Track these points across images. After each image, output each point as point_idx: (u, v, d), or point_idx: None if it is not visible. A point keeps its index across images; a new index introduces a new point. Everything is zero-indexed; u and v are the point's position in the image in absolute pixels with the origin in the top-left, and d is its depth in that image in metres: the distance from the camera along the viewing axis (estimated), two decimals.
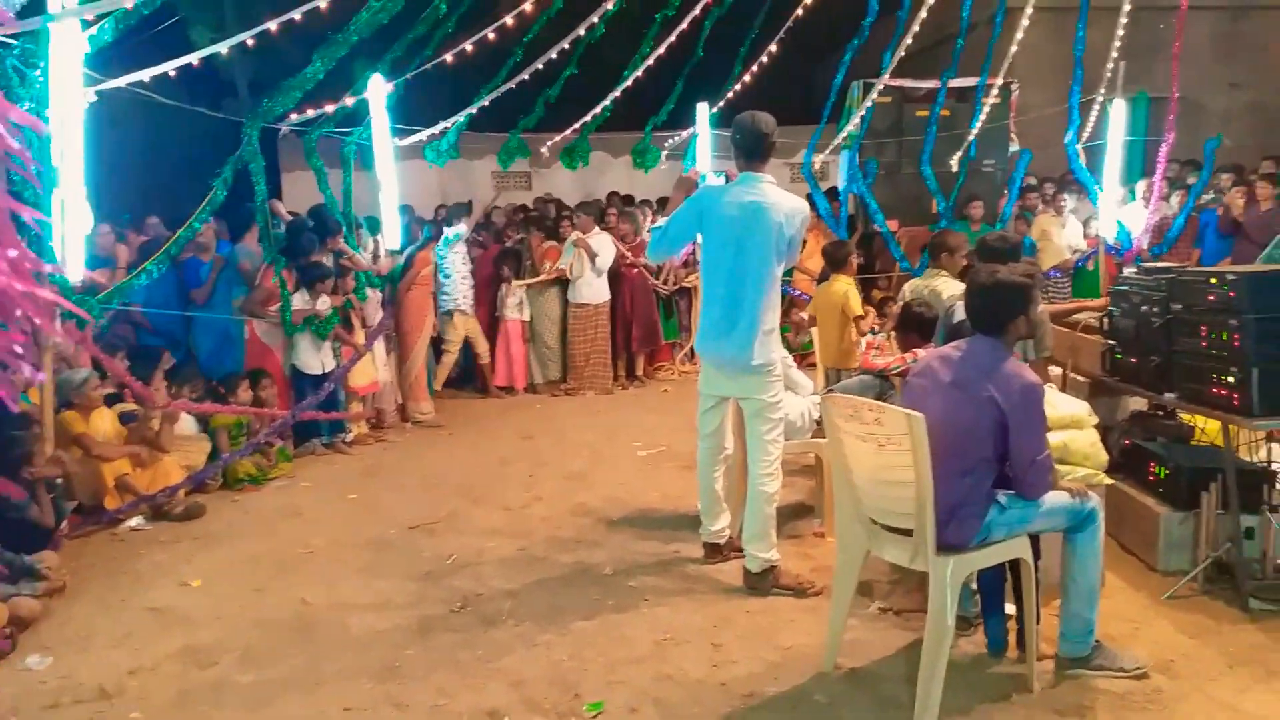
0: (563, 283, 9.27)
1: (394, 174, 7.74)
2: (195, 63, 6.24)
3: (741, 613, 4.16)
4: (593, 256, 8.97)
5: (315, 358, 7.14)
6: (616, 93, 10.55)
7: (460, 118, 9.93)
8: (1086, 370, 5.30)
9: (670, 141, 12.29)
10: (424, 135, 10.01)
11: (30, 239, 4.49)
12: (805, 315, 7.22)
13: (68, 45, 4.67)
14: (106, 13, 4.74)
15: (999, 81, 10.52)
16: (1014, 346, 3.48)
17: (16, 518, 4.67)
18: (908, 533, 3.30)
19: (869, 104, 10.20)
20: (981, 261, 4.51)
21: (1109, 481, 4.14)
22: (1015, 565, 3.48)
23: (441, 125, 10.00)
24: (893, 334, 5.45)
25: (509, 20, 8.46)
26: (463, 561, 4.88)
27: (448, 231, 8.76)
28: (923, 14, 9.59)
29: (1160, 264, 5.31)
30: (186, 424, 6.36)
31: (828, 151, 11.13)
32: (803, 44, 11.03)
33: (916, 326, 5.00)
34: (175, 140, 12.06)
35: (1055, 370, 5.38)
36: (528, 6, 8.09)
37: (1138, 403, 5.27)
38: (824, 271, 6.59)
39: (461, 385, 9.43)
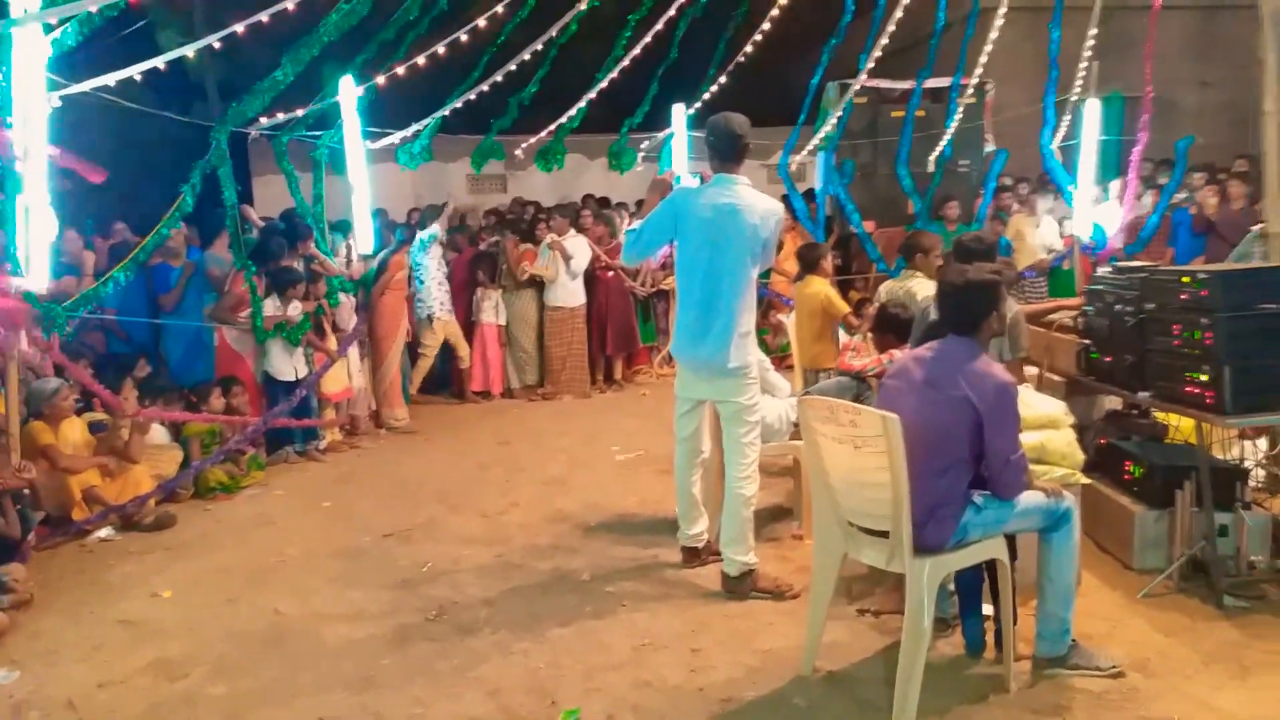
0: (538, 286, 9.22)
1: (366, 177, 7.67)
2: (162, 66, 6.17)
3: (720, 617, 4.14)
4: (567, 259, 8.93)
5: (288, 364, 7.07)
6: (591, 94, 10.50)
7: (432, 119, 9.87)
8: (1062, 370, 5.31)
9: (646, 143, 12.26)
10: (396, 138, 9.94)
11: None
12: (784, 318, 7.21)
13: (30, 50, 4.60)
14: (69, 17, 4.66)
15: (974, 81, 10.57)
16: (987, 345, 3.48)
17: None
18: (885, 534, 3.30)
19: (845, 105, 10.21)
20: (957, 262, 4.51)
21: (1086, 481, 4.15)
22: (992, 566, 3.48)
23: (414, 128, 9.93)
24: (869, 335, 5.45)
25: (481, 22, 8.41)
26: (439, 569, 4.83)
27: (421, 234, 8.70)
28: (898, 14, 9.61)
29: (1133, 263, 5.33)
30: (158, 433, 6.28)
31: (804, 153, 11.13)
32: (778, 45, 11.01)
33: (893, 327, 4.99)
34: (144, 145, 11.91)
35: (1031, 370, 5.39)
36: (500, 9, 8.04)
37: (1113, 402, 5.29)
38: (799, 273, 6.58)
39: (437, 390, 9.36)
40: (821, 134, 10.58)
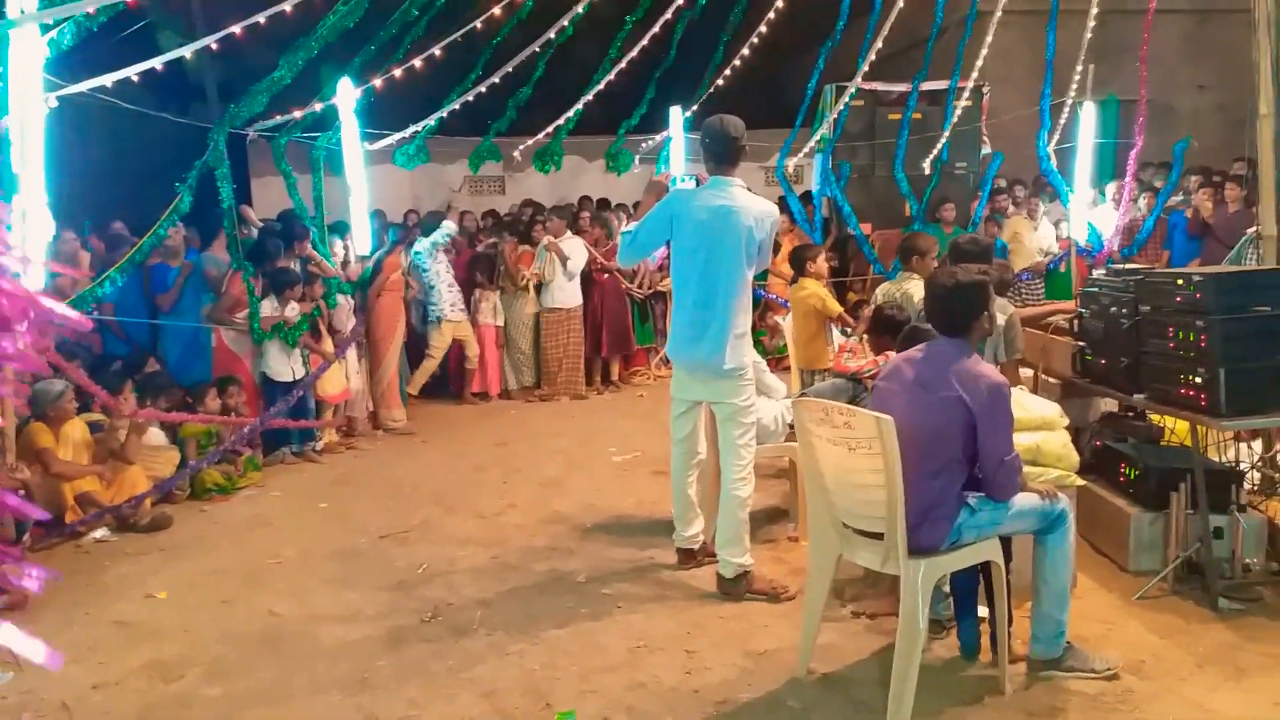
0: (536, 287, 9.23)
1: (364, 179, 7.67)
2: (160, 67, 6.16)
3: (715, 618, 4.14)
4: (564, 260, 8.93)
5: (285, 365, 7.07)
6: (589, 96, 10.53)
7: (430, 121, 9.88)
8: (1057, 372, 5.32)
9: (644, 145, 12.28)
10: (394, 139, 9.95)
11: None
12: (780, 320, 7.22)
13: (27, 50, 4.59)
14: (66, 17, 4.66)
15: (970, 84, 10.60)
16: (977, 346, 3.49)
17: None
18: (879, 536, 3.30)
19: (842, 107, 10.23)
20: (952, 264, 4.52)
21: (1081, 483, 4.16)
22: (987, 568, 3.48)
23: (412, 129, 9.94)
24: (865, 337, 5.45)
25: (478, 24, 8.42)
26: (434, 571, 4.83)
27: (425, 241, 8.65)
28: (894, 17, 9.63)
29: (1129, 266, 5.34)
30: (154, 434, 6.27)
31: (801, 155, 11.16)
32: (775, 47, 11.04)
33: (889, 329, 4.98)
34: (142, 146, 11.91)
35: (1026, 372, 5.40)
36: (497, 10, 8.05)
37: (1109, 404, 5.30)
38: (794, 275, 6.59)
39: (435, 392, 9.36)
40: (818, 136, 10.62)
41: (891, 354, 4.76)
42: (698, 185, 4.52)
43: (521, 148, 11.69)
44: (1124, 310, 4.52)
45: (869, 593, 4.23)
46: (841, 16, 9.96)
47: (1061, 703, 3.34)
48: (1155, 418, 4.92)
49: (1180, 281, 4.16)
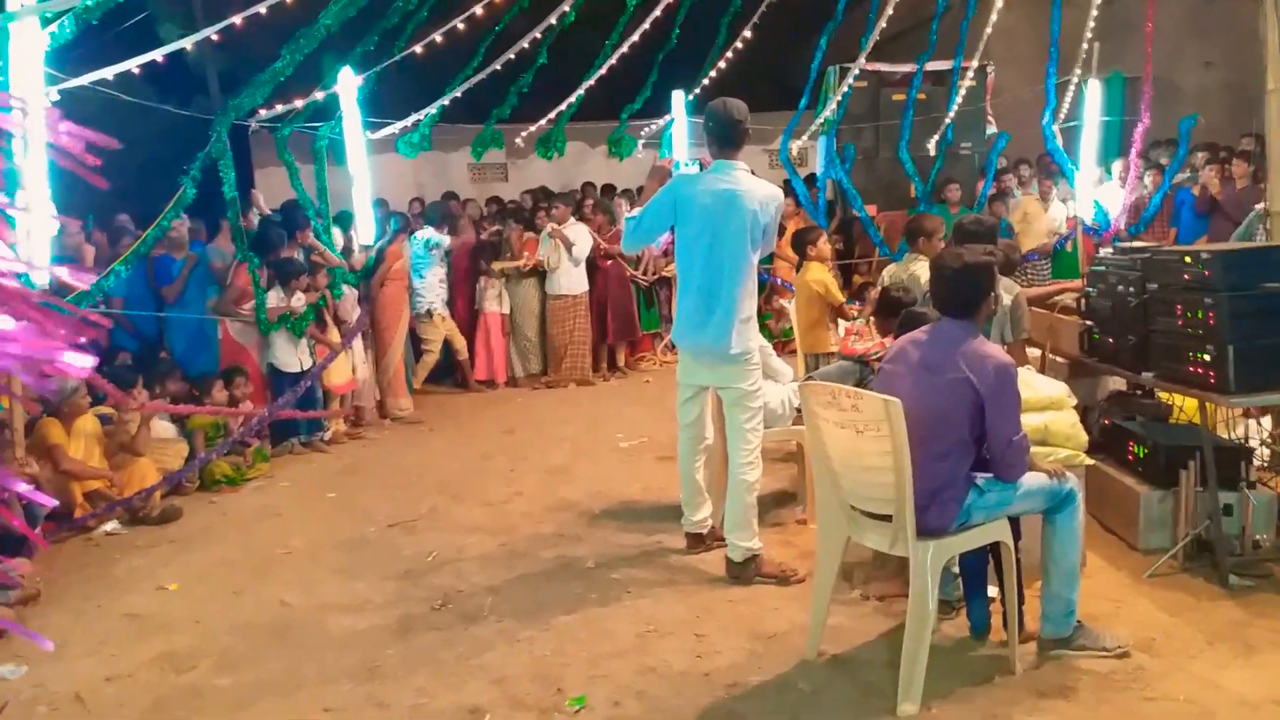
0: (541, 274, 9.22)
1: (367, 168, 7.65)
2: (161, 59, 6.15)
3: (724, 602, 4.14)
4: (569, 247, 8.92)
5: (293, 355, 7.07)
6: (590, 81, 10.48)
7: (433, 109, 9.85)
8: (1065, 351, 5.30)
9: (646, 130, 12.24)
10: (396, 128, 9.93)
11: None
12: (786, 303, 7.20)
13: (28, 43, 4.58)
14: (65, 10, 4.65)
15: (974, 64, 10.53)
16: (984, 327, 3.48)
17: None
18: (888, 518, 3.29)
19: (845, 88, 10.18)
20: (957, 244, 4.50)
21: (1090, 462, 4.15)
22: (996, 548, 3.47)
23: (414, 117, 9.91)
24: (872, 319, 5.44)
25: (479, 10, 8.38)
26: (443, 559, 4.84)
27: (423, 235, 8.63)
28: None
29: (1136, 243, 5.31)
30: (163, 426, 6.29)
31: (805, 137, 11.11)
32: (778, 29, 10.98)
33: (895, 311, 4.96)
34: (145, 139, 11.88)
35: (1034, 352, 5.39)
36: None
37: (1116, 382, 5.28)
38: (799, 259, 6.57)
39: (441, 380, 9.37)
40: (822, 118, 10.55)
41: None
42: (701, 169, 4.49)
43: (524, 134, 11.65)
44: (1132, 288, 4.49)
45: (878, 575, 4.22)
46: None
47: (1072, 681, 3.34)
48: (1164, 395, 4.90)
49: (1188, 259, 4.14)
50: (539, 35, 9.47)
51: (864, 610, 3.97)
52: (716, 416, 4.69)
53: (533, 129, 11.55)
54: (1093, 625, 3.55)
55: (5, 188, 4.41)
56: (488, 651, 3.79)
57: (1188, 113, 9.23)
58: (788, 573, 4.31)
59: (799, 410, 4.90)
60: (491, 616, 4.12)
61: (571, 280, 9.09)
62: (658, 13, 10.03)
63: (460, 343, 9.01)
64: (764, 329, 6.72)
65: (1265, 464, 4.59)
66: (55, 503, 1.94)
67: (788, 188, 9.79)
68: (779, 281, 9.74)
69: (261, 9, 6.08)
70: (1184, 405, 4.77)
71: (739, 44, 10.75)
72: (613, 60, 10.38)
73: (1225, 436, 4.56)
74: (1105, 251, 5.15)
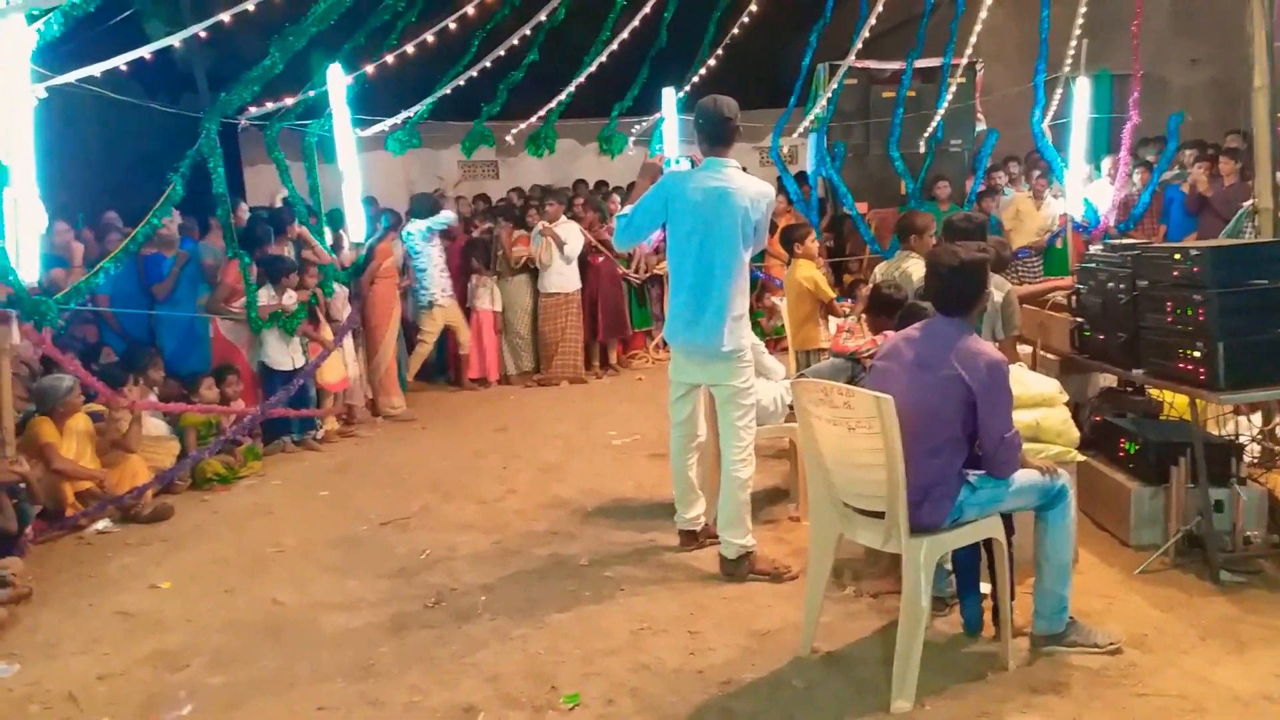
0: (533, 272, 9.21)
1: (357, 165, 7.63)
2: (148, 57, 6.11)
3: (718, 600, 4.15)
4: (560, 245, 8.91)
5: (285, 353, 7.05)
6: (581, 78, 10.47)
7: (422, 106, 9.82)
8: (1056, 348, 5.32)
9: (637, 127, 12.23)
10: (386, 125, 9.89)
11: None
12: (778, 301, 7.21)
13: (14, 41, 4.55)
14: (52, 7, 4.62)
15: (964, 61, 10.55)
16: (975, 323, 3.49)
17: None
18: (880, 515, 3.30)
19: (835, 86, 10.19)
20: (947, 241, 4.51)
21: (1081, 459, 4.16)
22: (989, 544, 3.48)
23: (403, 114, 9.88)
24: (863, 316, 5.44)
25: (470, 9, 8.36)
26: (436, 557, 4.84)
27: (423, 224, 8.58)
28: None
29: (1126, 240, 5.33)
30: (156, 425, 6.27)
31: (795, 135, 11.12)
32: (768, 27, 10.97)
33: (886, 308, 4.97)
34: (134, 137, 11.86)
35: (1025, 348, 5.40)
36: None
37: (1107, 379, 5.30)
38: (789, 256, 6.59)
39: (434, 378, 9.35)
40: (812, 116, 10.56)
41: (890, 333, 4.77)
42: (693, 167, 4.49)
43: (514, 131, 11.62)
44: (1122, 285, 4.51)
45: (871, 571, 4.23)
46: None
47: (1064, 677, 3.35)
48: (1154, 392, 4.92)
49: (1178, 256, 4.16)
50: (529, 32, 9.45)
51: (857, 607, 3.98)
52: (709, 414, 4.69)
53: (523, 126, 11.52)
54: (1085, 621, 3.57)
55: None
56: (481, 649, 3.79)
57: (1175, 110, 9.28)
58: (781, 570, 4.32)
59: (791, 407, 4.92)
60: (485, 614, 4.11)
61: (563, 278, 9.09)
62: (647, 10, 10.02)
63: (464, 335, 8.96)
64: (756, 327, 6.73)
65: (1255, 460, 4.62)
66: (40, 506, 1.94)
67: (779, 185, 9.80)
68: (770, 279, 9.75)
69: (249, 6, 6.05)
70: (1174, 402, 4.79)
71: (729, 41, 10.76)
72: (603, 57, 10.36)
73: (1216, 433, 4.58)
74: (1095, 249, 5.16)
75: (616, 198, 10.22)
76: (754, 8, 10.26)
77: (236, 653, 3.90)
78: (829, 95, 10.22)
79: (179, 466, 6.07)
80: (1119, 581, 4.11)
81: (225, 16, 6.20)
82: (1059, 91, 9.69)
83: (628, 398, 8.44)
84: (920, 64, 10.30)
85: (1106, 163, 9.57)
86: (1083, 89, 8.71)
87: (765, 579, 4.29)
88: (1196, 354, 4.00)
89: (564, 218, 9.12)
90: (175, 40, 6.21)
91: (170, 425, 6.39)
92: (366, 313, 8.10)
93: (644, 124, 12.05)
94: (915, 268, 5.38)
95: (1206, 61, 12.07)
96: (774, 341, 8.96)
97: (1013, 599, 3.48)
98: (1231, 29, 5.56)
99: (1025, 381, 4.05)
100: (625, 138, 12.33)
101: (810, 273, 6.36)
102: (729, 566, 4.35)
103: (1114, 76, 10.09)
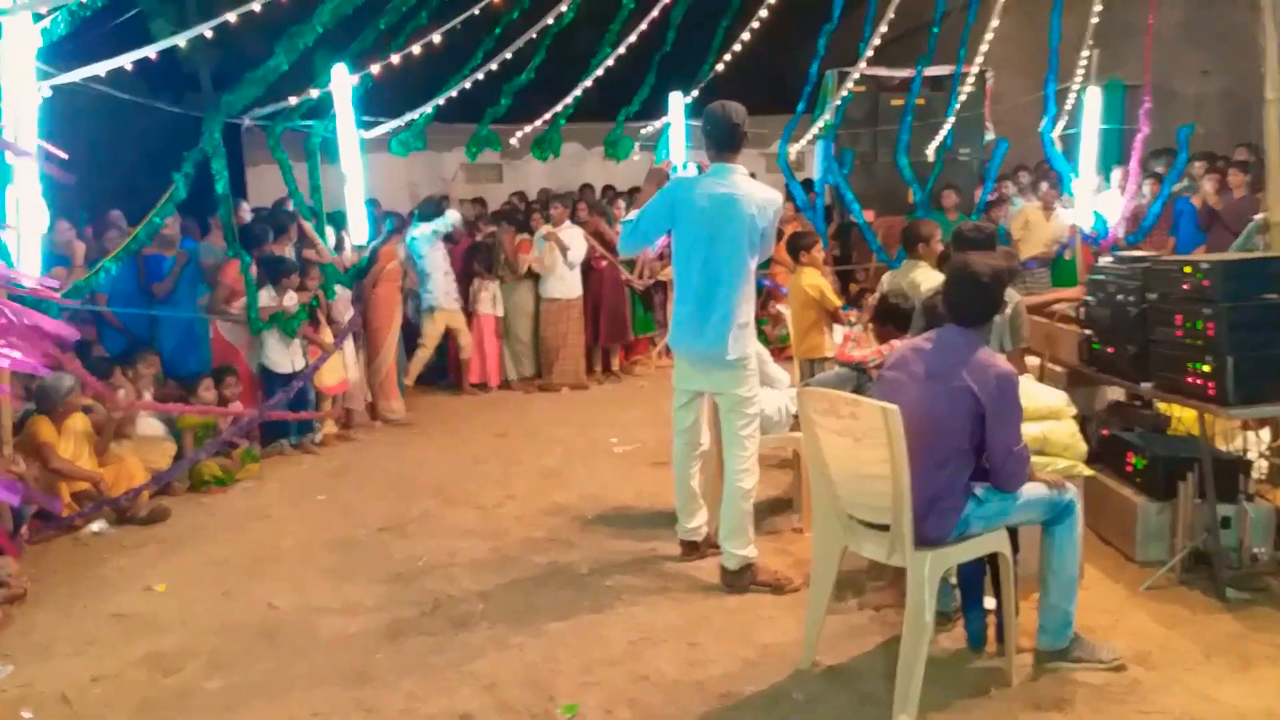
0: (535, 277, 9.18)
1: (360, 167, 7.60)
2: (153, 56, 6.09)
3: (719, 611, 4.11)
4: (564, 250, 8.88)
5: (285, 356, 7.01)
6: (587, 82, 10.44)
7: (427, 108, 9.80)
8: (1064, 360, 5.28)
9: (644, 132, 12.20)
10: (390, 127, 9.87)
11: None
12: (783, 309, 7.17)
13: (20, 40, 4.54)
14: (59, 5, 4.61)
15: (974, 70, 10.52)
16: (987, 336, 3.45)
17: None
18: (885, 528, 3.26)
19: (844, 93, 10.16)
20: (956, 251, 4.47)
21: (1088, 473, 4.12)
22: (994, 559, 3.44)
23: (408, 116, 9.86)
24: (870, 326, 5.40)
25: (476, 10, 8.34)
26: (434, 563, 4.80)
27: (426, 227, 8.56)
28: (896, 1, 9.55)
29: (1135, 253, 5.29)
30: (153, 426, 6.24)
31: (803, 141, 11.08)
32: (776, 32, 10.94)
33: (893, 318, 4.93)
34: (138, 136, 11.85)
35: (1033, 360, 5.36)
36: None
37: (1115, 393, 5.25)
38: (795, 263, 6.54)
39: (434, 382, 9.31)
40: (820, 122, 10.52)
41: (896, 343, 4.72)
42: (700, 172, 4.46)
43: (519, 135, 11.59)
44: (1131, 298, 4.47)
45: (874, 584, 4.19)
46: None
47: (1068, 694, 3.31)
48: (1162, 406, 4.88)
49: (1188, 269, 4.12)
50: (535, 35, 9.42)
51: (860, 620, 3.94)
52: (712, 423, 4.65)
53: (528, 129, 11.50)
54: (1089, 637, 3.53)
55: None
56: (478, 657, 3.75)
57: (1185, 121, 9.24)
58: (783, 581, 4.27)
59: (796, 417, 4.88)
60: (483, 622, 4.08)
61: (565, 284, 9.05)
62: (655, 14, 9.99)
63: (465, 339, 8.92)
64: (761, 335, 6.68)
65: (1264, 476, 4.57)
66: (58, 508, 1.91)
67: (786, 192, 9.76)
68: (776, 287, 9.70)
69: (255, 6, 6.03)
70: (1182, 416, 4.74)
71: (737, 46, 10.72)
72: (610, 61, 10.34)
73: (1224, 448, 4.54)
74: (1105, 260, 5.12)
75: (622, 203, 10.19)
76: (763, 13, 10.22)
77: (232, 656, 3.87)
78: (837, 102, 10.18)
79: (175, 468, 6.04)
80: (1124, 597, 4.07)
81: (231, 16, 6.19)
82: (1069, 101, 9.65)
83: (630, 404, 8.40)
84: (930, 72, 10.26)
85: (1116, 174, 9.52)
86: (1093, 99, 8.67)
87: (767, 590, 4.25)
88: (1206, 368, 3.96)
89: (568, 223, 9.08)
90: (180, 40, 6.18)
91: (167, 426, 6.36)
92: (368, 315, 8.07)
93: (651, 128, 12.01)
94: (923, 277, 5.34)
95: (1218, 73, 12.04)
96: (779, 350, 8.91)
97: (1017, 614, 3.44)
98: (1243, 40, 5.53)
99: (1032, 394, 4.01)
100: (632, 142, 12.31)
101: (816, 281, 6.32)
102: (730, 577, 4.31)
103: (1125, 86, 10.04)
